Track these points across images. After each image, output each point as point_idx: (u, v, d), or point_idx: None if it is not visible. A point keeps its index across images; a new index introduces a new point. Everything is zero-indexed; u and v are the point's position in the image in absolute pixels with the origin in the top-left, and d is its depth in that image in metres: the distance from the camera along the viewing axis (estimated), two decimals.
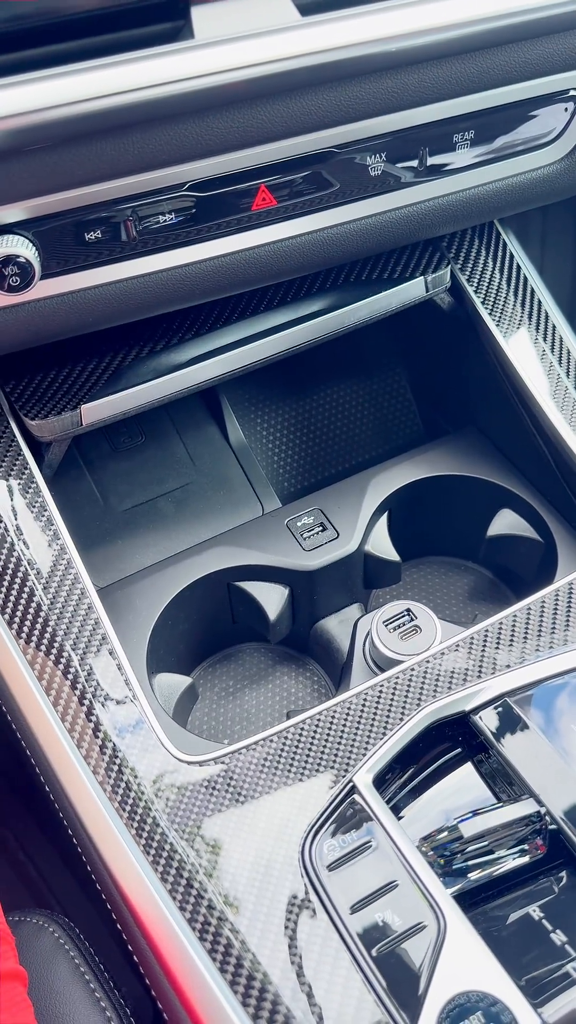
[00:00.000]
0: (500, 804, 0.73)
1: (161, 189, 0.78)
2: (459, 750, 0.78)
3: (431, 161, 0.87)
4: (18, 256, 0.74)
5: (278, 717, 1.05)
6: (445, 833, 0.71)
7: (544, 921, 0.69)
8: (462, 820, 0.71)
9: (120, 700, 0.79)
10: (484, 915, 0.69)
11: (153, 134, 0.74)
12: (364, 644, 0.93)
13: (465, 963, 0.64)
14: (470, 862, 0.71)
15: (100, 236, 0.78)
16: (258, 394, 1.21)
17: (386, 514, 1.06)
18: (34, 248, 0.76)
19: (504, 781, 0.75)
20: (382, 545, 1.05)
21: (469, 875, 0.70)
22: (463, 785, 0.76)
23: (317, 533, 1.02)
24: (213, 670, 1.09)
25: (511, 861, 0.71)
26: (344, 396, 1.24)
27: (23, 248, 0.74)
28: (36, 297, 0.79)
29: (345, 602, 1.06)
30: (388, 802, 0.73)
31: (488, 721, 0.77)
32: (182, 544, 1.04)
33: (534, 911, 0.69)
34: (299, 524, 1.03)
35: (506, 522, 1.06)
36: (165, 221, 0.80)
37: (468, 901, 0.70)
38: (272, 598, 1.01)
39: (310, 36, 0.73)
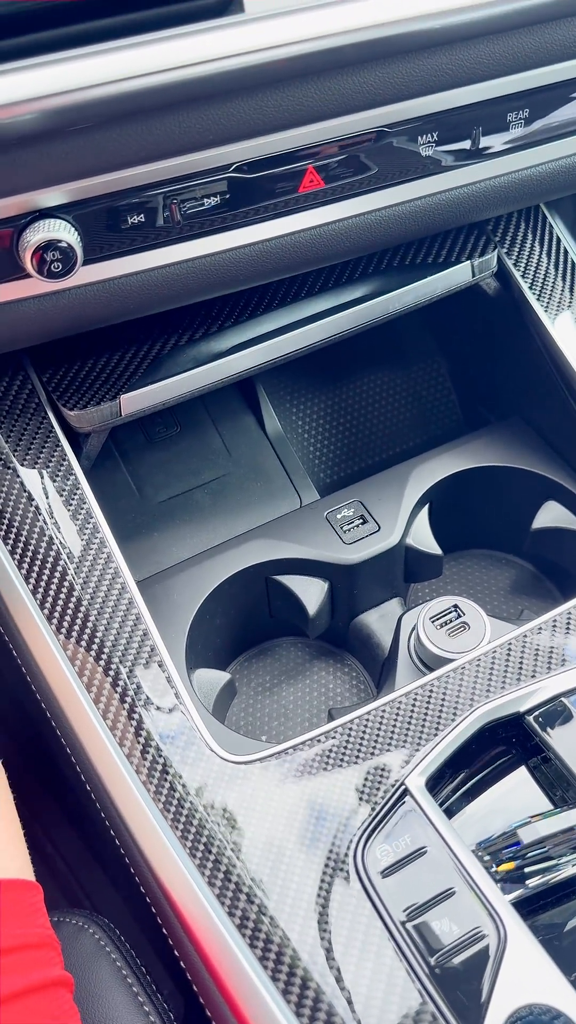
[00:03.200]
0: (558, 809, 0.71)
1: (206, 171, 0.75)
2: (513, 752, 0.75)
3: (484, 141, 0.84)
4: (60, 241, 0.72)
5: (316, 713, 1.03)
6: (502, 838, 0.69)
7: None
8: (520, 825, 0.69)
9: (163, 701, 0.77)
10: (543, 923, 0.67)
11: (200, 113, 0.71)
12: (410, 641, 0.91)
13: (528, 974, 0.62)
14: (528, 869, 0.68)
15: (143, 220, 0.76)
16: (294, 383, 1.19)
17: (427, 506, 1.04)
18: (76, 233, 0.73)
19: (560, 785, 0.73)
20: (423, 538, 1.02)
21: (527, 882, 0.68)
22: (518, 789, 0.74)
23: (357, 526, 1.00)
24: (250, 665, 1.07)
25: (571, 868, 0.69)
26: (382, 385, 1.21)
27: (65, 232, 0.72)
28: (77, 284, 0.77)
29: (385, 596, 1.04)
30: (441, 805, 0.71)
31: (543, 722, 0.74)
32: (219, 537, 1.02)
33: None
34: (339, 516, 1.01)
35: (552, 515, 1.03)
36: (209, 204, 0.78)
37: (527, 909, 0.68)
38: (311, 592, 0.99)
39: (364, 10, 0.71)
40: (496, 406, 1.16)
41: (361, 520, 1.01)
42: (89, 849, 1.10)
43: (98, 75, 0.67)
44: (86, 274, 0.77)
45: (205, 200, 0.77)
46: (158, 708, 0.77)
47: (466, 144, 0.83)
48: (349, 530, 1.00)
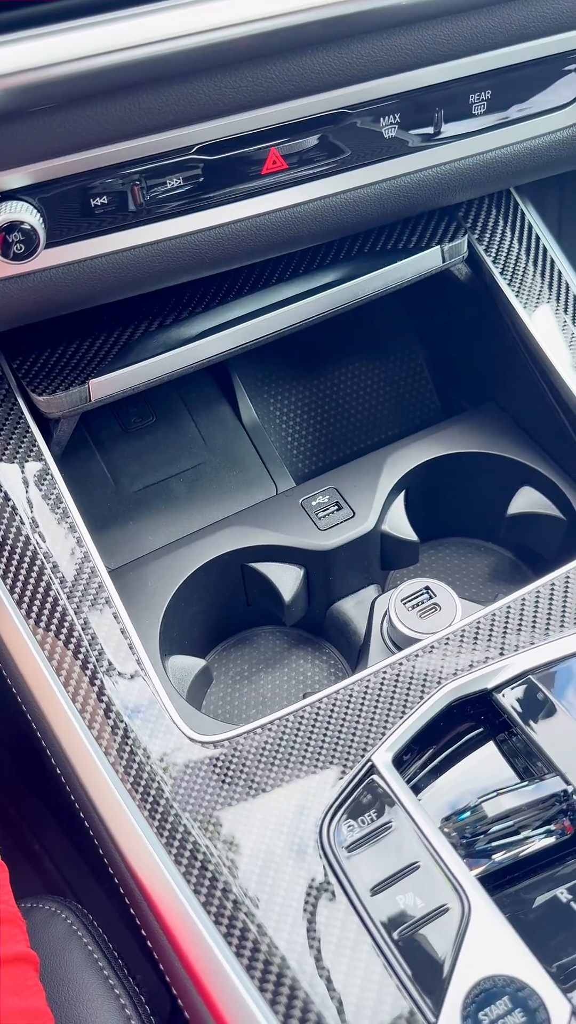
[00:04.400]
0: (525, 783, 0.71)
1: (169, 152, 0.76)
2: (481, 729, 0.76)
3: (446, 123, 0.84)
4: (22, 223, 0.72)
5: (294, 701, 1.02)
6: (468, 813, 0.69)
7: (572, 904, 0.67)
8: (485, 799, 0.69)
9: (131, 678, 0.77)
10: (510, 898, 0.67)
11: (161, 94, 0.72)
12: (382, 623, 0.91)
13: (491, 947, 0.62)
14: (494, 843, 0.68)
15: (106, 202, 0.76)
16: (270, 372, 1.19)
17: (403, 493, 1.04)
18: (39, 215, 0.74)
19: (528, 760, 0.73)
20: (399, 524, 1.02)
21: (494, 856, 0.68)
22: (486, 765, 0.74)
23: (332, 512, 1.00)
24: (228, 654, 1.07)
25: (537, 842, 0.69)
26: (359, 373, 1.22)
27: (27, 214, 0.73)
28: (41, 267, 0.77)
29: (362, 583, 1.04)
30: (408, 782, 0.71)
31: (511, 699, 0.74)
32: (194, 525, 1.03)
33: (561, 894, 0.67)
34: (314, 503, 1.01)
35: (527, 500, 1.03)
36: (173, 186, 0.78)
37: (493, 883, 0.68)
38: (287, 579, 0.99)
39: None
40: (471, 393, 1.16)
41: (336, 507, 1.01)
42: (72, 842, 1.10)
43: (58, 54, 0.67)
44: (50, 256, 0.77)
45: (168, 182, 0.78)
46: (127, 688, 0.77)
47: (428, 126, 0.84)
48: (324, 516, 1.00)
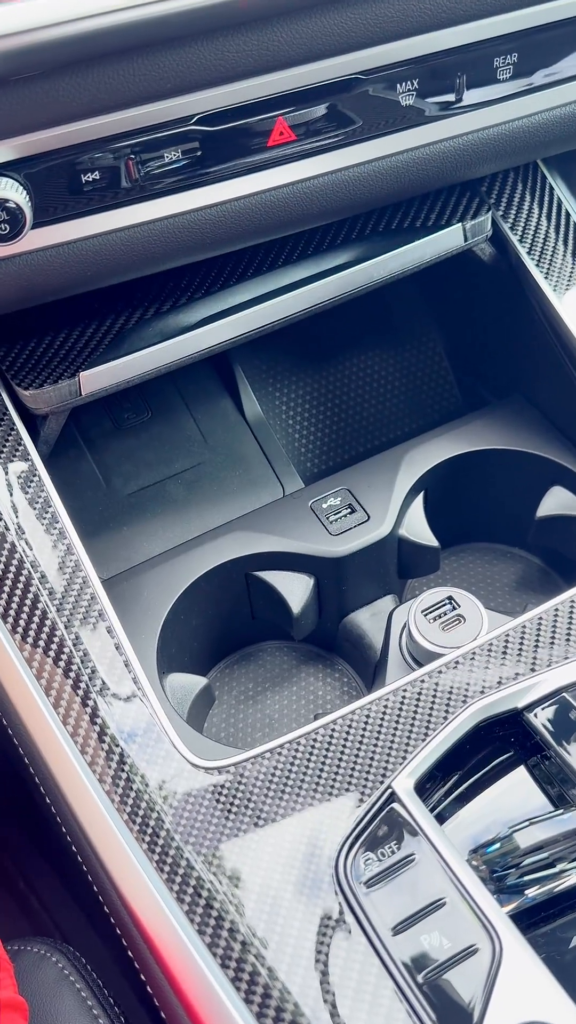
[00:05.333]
0: (560, 812, 0.71)
1: (166, 123, 0.76)
2: (511, 752, 0.76)
3: (468, 90, 0.85)
4: (7, 200, 0.73)
5: (304, 723, 1.02)
6: (498, 845, 0.69)
7: None
8: (516, 829, 0.69)
9: (127, 700, 0.77)
10: (544, 937, 0.67)
11: (158, 58, 0.72)
12: (400, 637, 0.91)
13: (525, 991, 0.62)
14: (527, 877, 0.68)
15: (98, 178, 0.77)
16: (276, 363, 1.19)
17: (422, 494, 1.04)
18: (24, 192, 0.74)
19: (563, 786, 0.73)
20: (418, 529, 1.03)
21: (527, 892, 0.68)
22: (516, 791, 0.74)
23: (345, 516, 1.01)
24: (231, 671, 1.07)
25: (574, 876, 0.69)
26: (372, 363, 1.22)
27: (12, 192, 0.73)
28: (27, 249, 0.78)
29: (377, 593, 1.04)
30: (432, 810, 0.71)
31: (543, 719, 0.74)
32: (194, 530, 1.03)
33: None
34: (324, 506, 1.01)
35: (558, 501, 1.03)
36: (170, 160, 0.78)
37: (526, 922, 0.68)
38: (295, 589, 0.99)
39: None
40: (495, 384, 1.17)
41: (349, 509, 1.01)
42: (62, 880, 1.10)
43: (44, 16, 0.68)
44: (37, 238, 0.77)
45: (166, 155, 0.78)
46: (123, 711, 0.77)
47: (450, 93, 0.84)
48: (335, 520, 1.00)
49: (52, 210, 0.77)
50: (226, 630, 1.05)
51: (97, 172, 0.77)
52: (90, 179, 0.77)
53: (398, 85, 0.82)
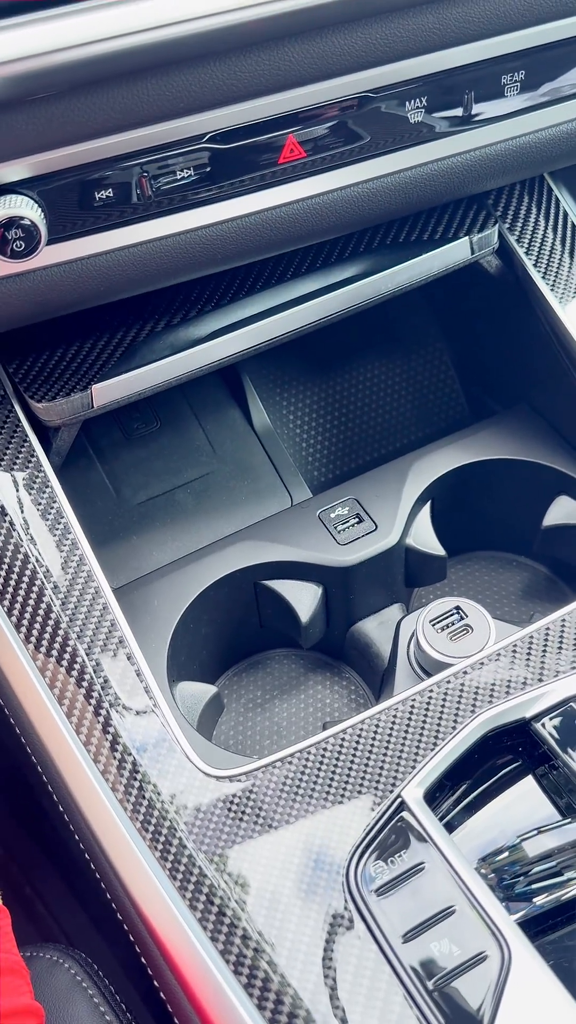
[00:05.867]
0: (568, 820, 0.72)
1: (179, 141, 0.77)
2: (519, 762, 0.76)
3: (477, 106, 0.86)
4: (22, 218, 0.74)
5: (312, 731, 1.04)
6: (507, 853, 0.70)
7: None
8: (525, 838, 0.70)
9: (140, 710, 0.78)
10: (553, 945, 0.68)
11: (170, 79, 0.73)
12: (408, 646, 0.92)
13: (533, 999, 0.63)
14: (535, 885, 0.69)
15: (112, 195, 0.78)
16: (284, 373, 1.20)
17: (429, 504, 1.05)
18: (39, 209, 0.75)
19: (571, 795, 0.74)
20: (425, 538, 1.04)
21: (535, 900, 0.69)
22: (524, 800, 0.75)
23: (353, 525, 1.02)
24: (239, 679, 1.08)
25: None
26: (379, 373, 1.23)
27: (27, 209, 0.74)
28: (42, 264, 0.79)
29: (385, 602, 1.05)
30: (441, 819, 0.72)
31: (551, 728, 0.75)
32: (203, 540, 1.04)
33: None
34: (332, 516, 1.02)
35: (564, 510, 1.04)
36: (182, 178, 0.80)
37: (534, 929, 0.68)
38: (304, 598, 1.00)
39: None
40: (502, 394, 1.17)
41: (357, 519, 1.02)
42: (69, 886, 1.11)
43: (59, 39, 0.69)
44: (51, 254, 0.78)
45: (178, 173, 0.79)
46: (135, 721, 0.78)
47: (458, 110, 0.85)
48: (344, 530, 1.01)
49: (66, 227, 0.78)
50: (235, 638, 1.06)
51: (111, 189, 0.78)
52: (103, 196, 0.78)
53: (407, 102, 0.83)
